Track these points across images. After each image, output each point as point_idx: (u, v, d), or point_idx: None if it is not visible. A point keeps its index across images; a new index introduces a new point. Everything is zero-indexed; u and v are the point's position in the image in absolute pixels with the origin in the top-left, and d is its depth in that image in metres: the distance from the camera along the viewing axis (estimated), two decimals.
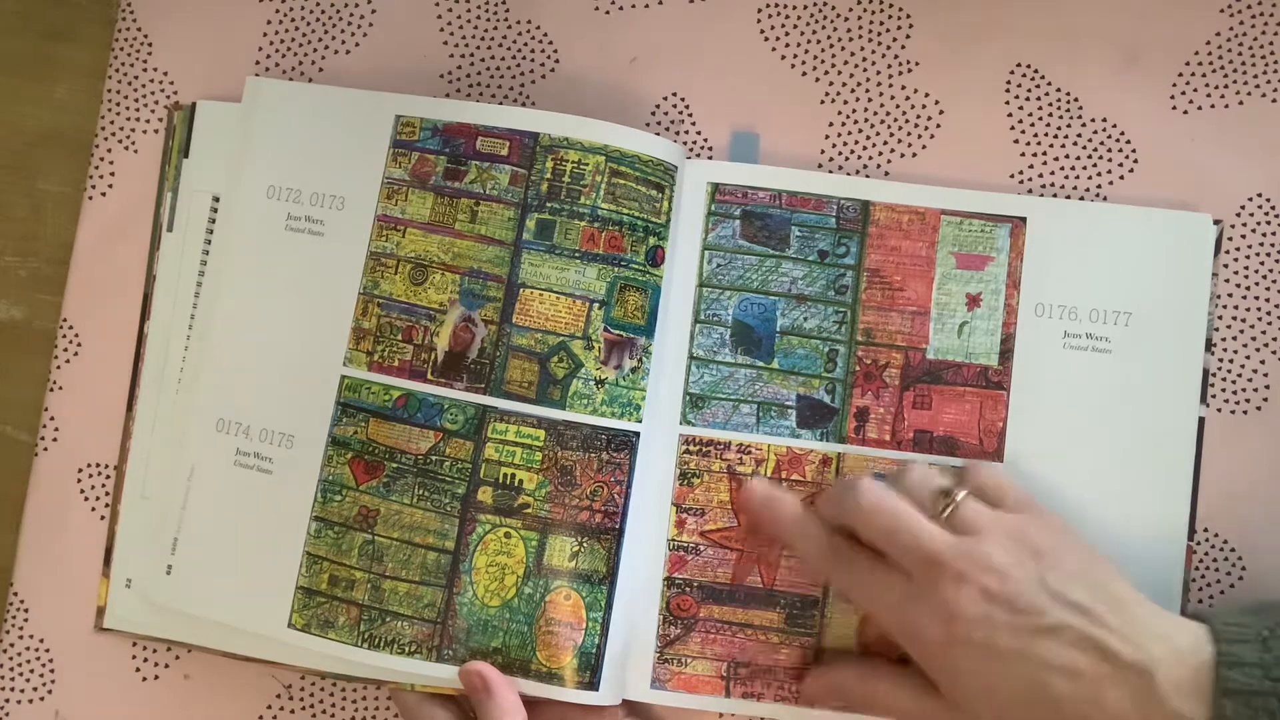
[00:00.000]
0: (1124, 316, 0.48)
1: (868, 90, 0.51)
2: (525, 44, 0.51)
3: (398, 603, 0.46)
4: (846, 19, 0.51)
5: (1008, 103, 0.51)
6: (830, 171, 0.50)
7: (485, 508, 0.46)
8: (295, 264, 0.49)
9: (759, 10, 0.51)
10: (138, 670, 0.49)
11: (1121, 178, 0.50)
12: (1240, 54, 0.50)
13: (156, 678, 0.49)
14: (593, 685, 0.45)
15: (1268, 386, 0.49)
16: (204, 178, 0.51)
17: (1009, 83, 0.51)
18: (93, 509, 0.50)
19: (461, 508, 0.46)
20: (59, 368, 0.51)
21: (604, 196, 0.47)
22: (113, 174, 0.52)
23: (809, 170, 0.50)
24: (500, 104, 0.50)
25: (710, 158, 0.50)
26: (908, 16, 0.50)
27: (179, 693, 0.49)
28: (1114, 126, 0.50)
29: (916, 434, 0.48)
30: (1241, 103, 0.50)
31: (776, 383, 0.49)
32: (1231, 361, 0.49)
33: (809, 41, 0.51)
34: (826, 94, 0.51)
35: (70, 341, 0.51)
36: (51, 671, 0.49)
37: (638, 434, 0.47)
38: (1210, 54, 0.50)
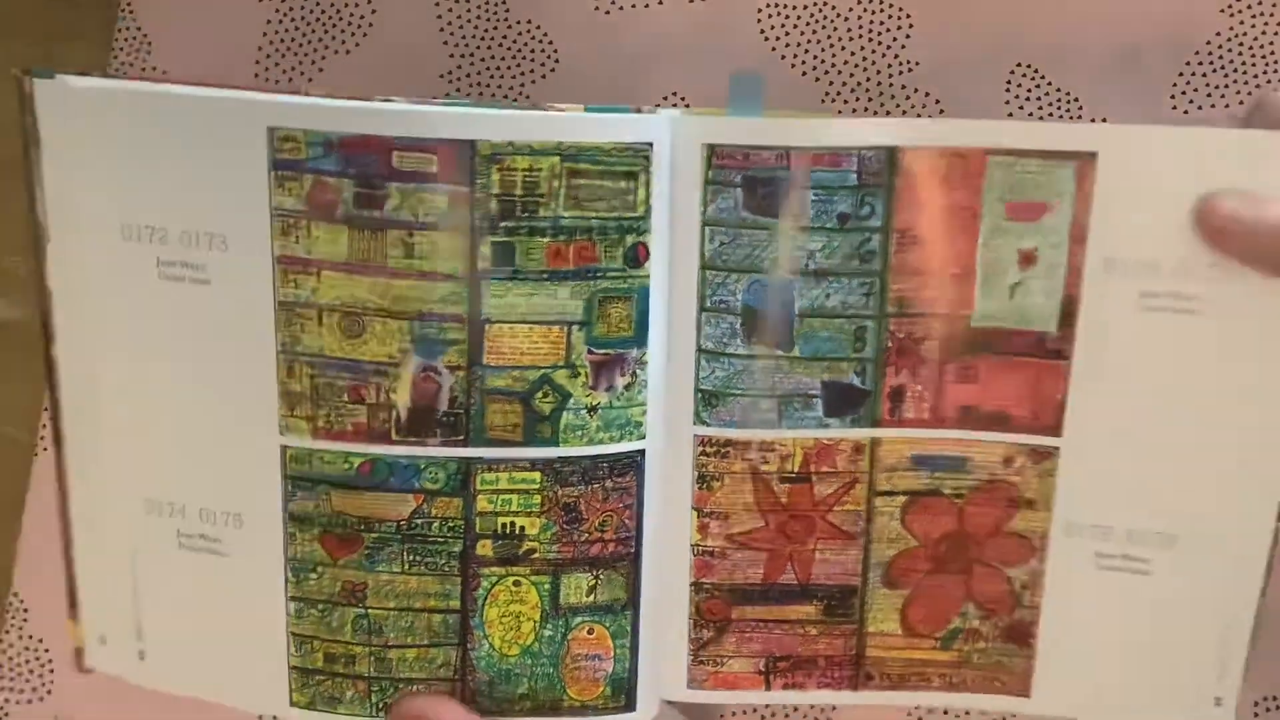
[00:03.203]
0: (1215, 268, 0.40)
1: (868, 90, 0.48)
2: (525, 44, 0.51)
3: (408, 668, 0.44)
4: (846, 19, 0.49)
5: (1008, 103, 0.50)
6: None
7: (488, 561, 0.43)
8: (181, 320, 0.41)
9: (759, 10, 0.50)
10: None
11: None
12: (1240, 54, 0.49)
13: None
14: (629, 707, 0.45)
15: None
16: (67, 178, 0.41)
17: (1009, 83, 0.50)
18: None
19: (461, 565, 0.43)
20: None
21: (565, 204, 0.40)
22: None
23: (822, 117, 0.41)
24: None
25: None
26: (908, 16, 0.50)
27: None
28: None
29: (961, 410, 0.43)
30: (1241, 103, 0.49)
31: (799, 372, 0.43)
32: None
33: (809, 41, 0.50)
34: (826, 94, 0.50)
35: None
36: (51, 671, 0.51)
37: (642, 451, 0.43)
38: (1210, 54, 0.50)
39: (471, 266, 0.40)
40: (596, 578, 0.43)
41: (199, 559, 0.43)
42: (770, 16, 0.50)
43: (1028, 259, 0.41)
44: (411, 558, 0.43)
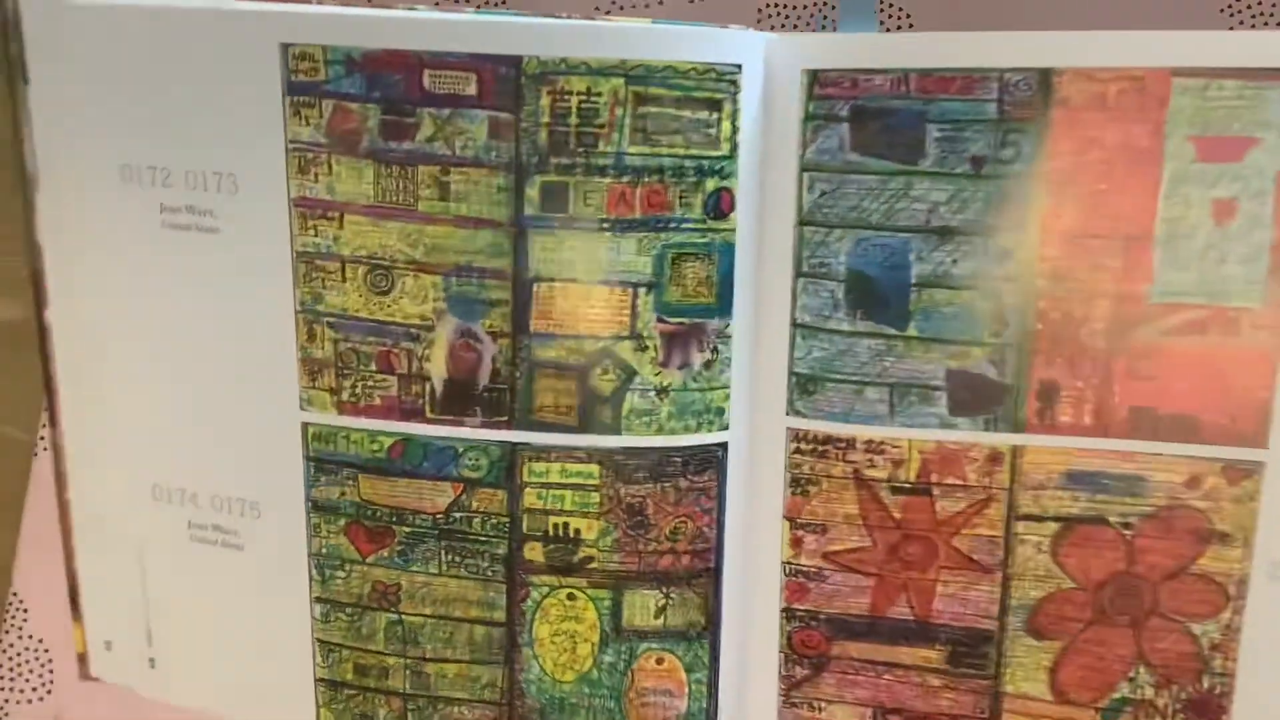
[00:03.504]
0: None
1: None
2: None
3: (448, 686, 0.38)
4: None
5: None
6: None
7: (537, 567, 0.37)
8: (187, 275, 0.37)
9: (759, 10, 0.48)
10: None
11: None
12: None
13: None
14: None
15: None
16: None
17: None
18: None
19: (507, 571, 0.37)
20: None
21: (631, 137, 0.34)
22: None
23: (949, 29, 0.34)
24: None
25: None
26: (908, 16, 0.47)
27: None
28: None
29: (1133, 413, 0.35)
30: None
31: (915, 355, 0.35)
32: None
33: None
34: None
35: None
36: (51, 671, 0.49)
37: (725, 445, 0.35)
38: None
39: (517, 211, 0.35)
40: (667, 596, 0.37)
41: (213, 553, 0.39)
42: (770, 16, 0.48)
43: (1225, 212, 0.33)
44: (450, 557, 0.38)
